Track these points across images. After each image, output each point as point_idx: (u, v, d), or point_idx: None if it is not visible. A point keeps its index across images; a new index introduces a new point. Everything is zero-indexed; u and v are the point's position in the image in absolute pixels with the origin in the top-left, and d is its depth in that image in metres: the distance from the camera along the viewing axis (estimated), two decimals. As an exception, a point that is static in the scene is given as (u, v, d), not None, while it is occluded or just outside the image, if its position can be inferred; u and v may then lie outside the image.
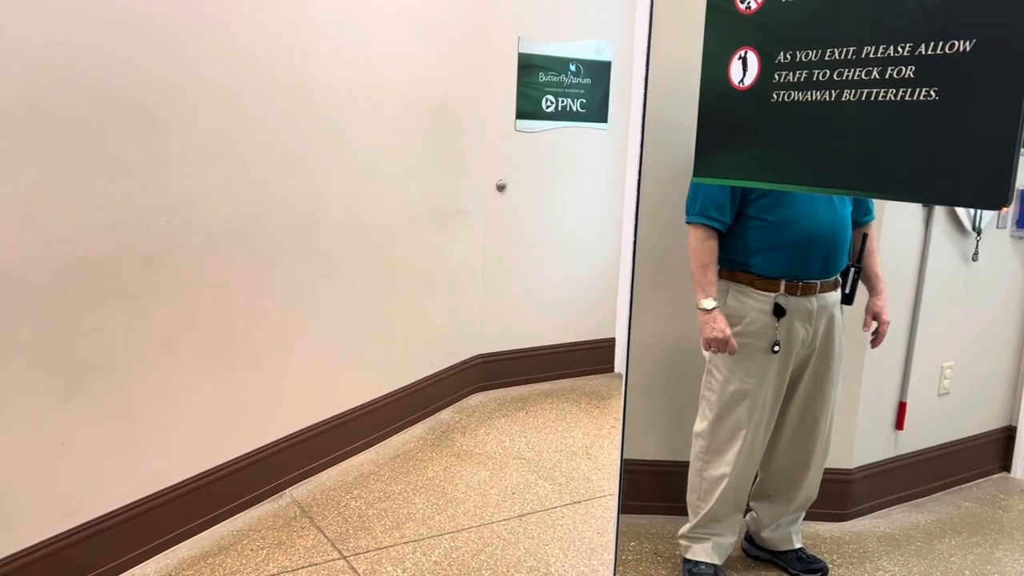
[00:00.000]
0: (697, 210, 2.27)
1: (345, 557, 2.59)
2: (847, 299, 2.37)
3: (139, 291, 2.42)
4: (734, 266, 2.31)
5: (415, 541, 2.69)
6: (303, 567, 2.52)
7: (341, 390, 3.30)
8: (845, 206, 2.30)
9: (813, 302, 2.28)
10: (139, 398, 2.46)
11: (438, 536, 2.73)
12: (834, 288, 2.34)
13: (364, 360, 3.41)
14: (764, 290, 2.26)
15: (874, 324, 2.43)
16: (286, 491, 3.03)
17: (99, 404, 2.34)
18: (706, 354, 2.38)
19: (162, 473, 2.57)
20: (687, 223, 2.30)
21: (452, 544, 2.68)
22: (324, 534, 2.73)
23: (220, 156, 2.64)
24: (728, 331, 2.23)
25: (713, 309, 2.24)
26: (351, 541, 2.68)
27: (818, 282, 2.28)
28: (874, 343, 2.46)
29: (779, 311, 2.25)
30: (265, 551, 2.61)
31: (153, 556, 2.55)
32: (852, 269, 2.36)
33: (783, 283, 2.25)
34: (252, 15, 2.68)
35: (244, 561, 2.54)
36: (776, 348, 2.27)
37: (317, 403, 3.18)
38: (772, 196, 2.21)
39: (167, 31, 2.41)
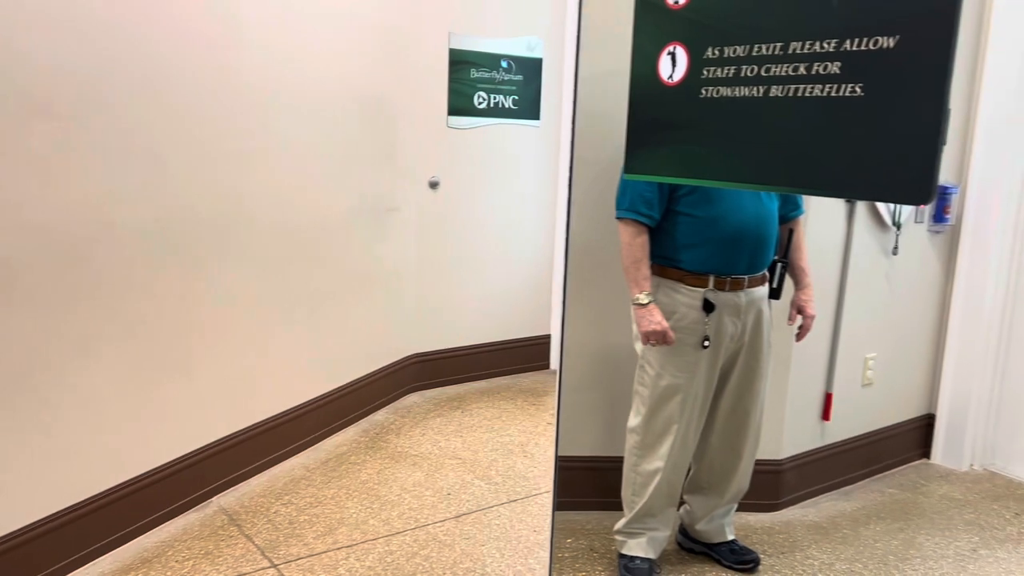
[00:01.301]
0: (626, 205, 2.27)
1: (276, 565, 2.52)
2: (774, 293, 2.41)
3: (54, 293, 2.30)
4: (664, 262, 2.32)
5: (348, 546, 2.64)
6: (232, 577, 2.44)
7: (270, 393, 3.22)
8: (772, 201, 2.33)
9: (741, 297, 2.31)
10: (55, 405, 2.34)
11: (372, 540, 2.68)
12: (762, 283, 2.37)
13: (294, 362, 3.33)
14: (694, 285, 2.28)
15: (799, 318, 2.47)
16: (213, 499, 2.94)
17: (11, 413, 2.22)
18: (638, 350, 2.39)
19: (80, 484, 2.46)
20: (617, 219, 2.31)
21: (387, 548, 2.64)
22: (253, 542, 2.65)
23: (141, 153, 2.53)
24: (665, 323, 2.25)
25: (649, 303, 2.26)
26: (282, 549, 2.61)
27: (746, 277, 2.31)
28: (799, 336, 2.51)
29: (708, 306, 2.27)
30: (191, 562, 2.52)
31: (71, 572, 2.43)
32: (779, 264, 2.39)
33: (712, 278, 2.27)
34: (175, 7, 2.57)
35: (169, 573, 2.45)
36: (706, 343, 2.29)
37: (245, 407, 3.09)
38: (700, 192, 2.23)
39: (81, 23, 2.29)
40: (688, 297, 2.29)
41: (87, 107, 2.35)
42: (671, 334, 2.25)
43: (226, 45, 2.80)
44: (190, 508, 2.85)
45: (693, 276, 2.28)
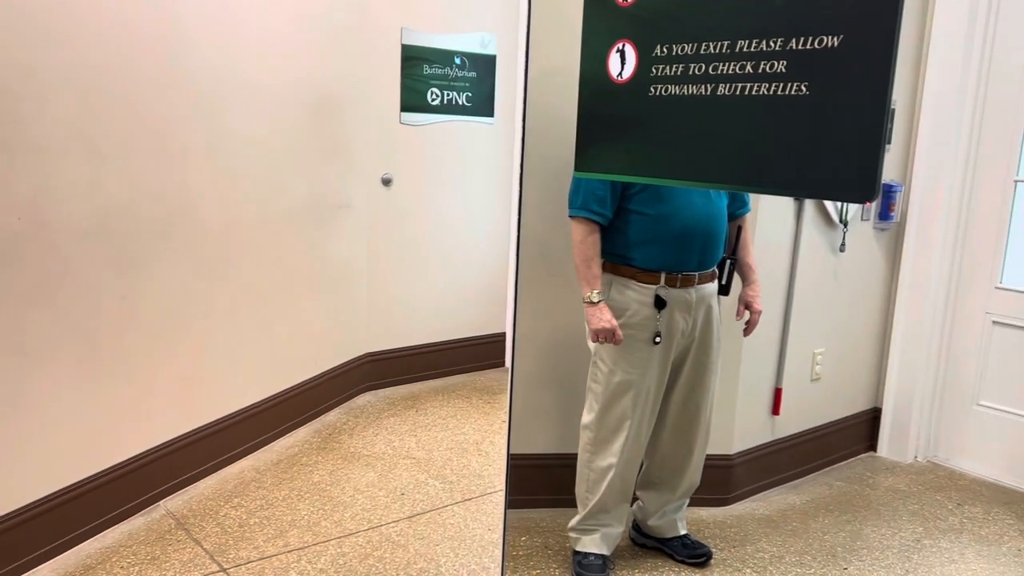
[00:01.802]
0: (579, 204, 2.28)
1: (225, 569, 2.47)
2: (724, 290, 2.44)
3: (-14, 294, 2.22)
4: (616, 259, 2.33)
5: (300, 549, 2.60)
6: (179, 583, 2.39)
7: (218, 395, 3.15)
8: (721, 199, 2.36)
9: (692, 293, 2.33)
10: (-11, 411, 2.26)
11: (324, 543, 2.64)
12: (711, 279, 2.40)
13: (243, 363, 3.27)
14: (645, 282, 2.30)
15: (747, 313, 2.51)
16: (160, 503, 2.87)
17: (-59, 419, 2.14)
18: (591, 347, 2.40)
19: (16, 490, 2.38)
20: (570, 217, 2.31)
21: (339, 550, 2.60)
22: (202, 546, 2.59)
23: (79, 148, 2.45)
24: (614, 322, 2.26)
25: (599, 301, 2.26)
26: (231, 552, 2.56)
27: (696, 274, 2.33)
28: (746, 331, 2.54)
29: (660, 303, 2.29)
30: (137, 568, 2.45)
31: (9, 581, 2.36)
32: (728, 261, 2.43)
33: (663, 275, 2.29)
34: (115, 2, 2.51)
35: (113, 580, 2.38)
36: (658, 339, 2.31)
37: (192, 409, 3.02)
38: (651, 190, 2.24)
39: (18, 17, 2.21)
40: (640, 294, 2.30)
41: (21, 102, 2.27)
42: (619, 332, 2.26)
43: (169, 39, 2.73)
44: (136, 512, 2.78)
45: (645, 273, 2.30)
